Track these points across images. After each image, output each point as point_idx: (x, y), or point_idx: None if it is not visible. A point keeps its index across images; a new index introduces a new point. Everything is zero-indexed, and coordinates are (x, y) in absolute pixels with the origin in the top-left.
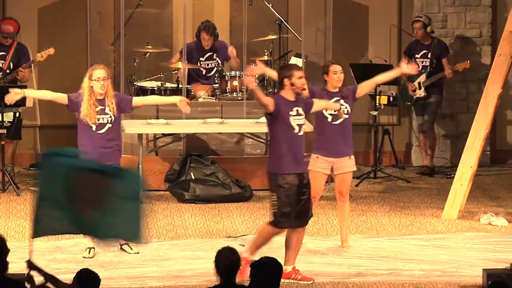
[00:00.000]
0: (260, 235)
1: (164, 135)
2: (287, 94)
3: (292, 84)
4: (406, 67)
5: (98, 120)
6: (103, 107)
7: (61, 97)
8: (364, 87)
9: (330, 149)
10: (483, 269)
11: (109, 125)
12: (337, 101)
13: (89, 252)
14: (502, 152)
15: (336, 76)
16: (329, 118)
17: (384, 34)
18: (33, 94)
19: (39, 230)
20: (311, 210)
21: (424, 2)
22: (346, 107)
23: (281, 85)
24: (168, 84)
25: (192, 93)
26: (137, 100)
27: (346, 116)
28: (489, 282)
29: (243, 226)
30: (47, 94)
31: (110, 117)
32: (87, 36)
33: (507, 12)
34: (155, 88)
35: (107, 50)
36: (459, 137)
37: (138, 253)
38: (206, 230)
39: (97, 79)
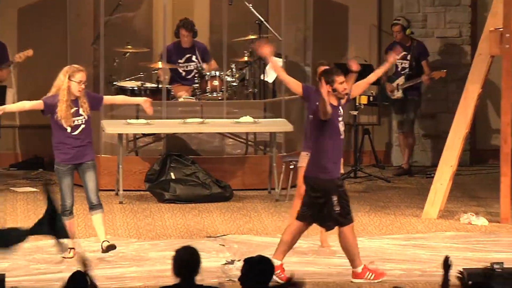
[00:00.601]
0: (348, 246)
1: (144, 135)
2: (331, 99)
3: (334, 90)
4: (392, 56)
5: (73, 122)
6: (77, 108)
7: (37, 104)
8: (358, 88)
9: None
10: (463, 269)
11: (83, 126)
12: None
13: (69, 252)
14: (482, 152)
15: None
16: None
17: (364, 34)
18: (12, 108)
19: None
20: None
21: (403, 2)
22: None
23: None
24: (148, 84)
25: (173, 93)
26: (107, 99)
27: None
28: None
29: (223, 226)
30: (25, 105)
31: (84, 117)
32: (67, 36)
33: (487, 12)
34: (135, 88)
35: (87, 50)
36: (439, 136)
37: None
38: (186, 230)
39: (79, 82)
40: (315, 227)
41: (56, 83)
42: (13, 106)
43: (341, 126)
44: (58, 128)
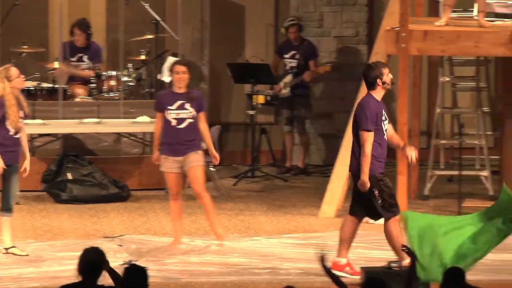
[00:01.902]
0: (390, 239)
1: (40, 135)
2: (378, 94)
3: (383, 83)
4: None
5: (20, 125)
6: (21, 110)
7: None
8: None
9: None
10: (360, 267)
11: (22, 127)
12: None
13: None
14: None
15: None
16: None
17: (261, 33)
18: None
19: None
20: None
21: (300, 1)
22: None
23: (372, 86)
24: (44, 84)
25: (69, 92)
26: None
27: None
28: (365, 279)
29: (121, 226)
30: None
31: (24, 119)
32: None
33: (384, 11)
34: (31, 88)
35: None
36: (336, 135)
37: (28, 255)
38: (84, 230)
39: (18, 76)
40: (209, 226)
41: None
42: None
43: (385, 125)
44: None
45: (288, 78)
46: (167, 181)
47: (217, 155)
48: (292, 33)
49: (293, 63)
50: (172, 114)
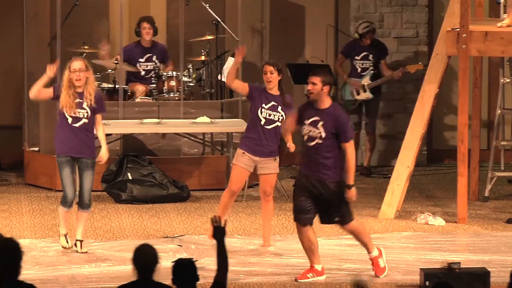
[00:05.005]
0: (361, 233)
1: None
2: None
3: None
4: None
5: (75, 114)
6: (82, 101)
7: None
8: None
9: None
10: (420, 269)
11: (84, 120)
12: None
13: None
14: (439, 152)
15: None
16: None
17: (321, 34)
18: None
19: None
20: None
21: (360, 2)
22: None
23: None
24: (104, 85)
25: (129, 92)
26: (97, 118)
27: None
28: (427, 283)
29: (181, 226)
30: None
31: (87, 112)
32: (23, 37)
33: (444, 12)
34: None
35: (44, 50)
36: (396, 137)
37: (86, 252)
38: (144, 230)
39: (73, 70)
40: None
41: (63, 77)
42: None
43: None
44: (60, 119)
45: (366, 81)
46: (235, 175)
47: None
48: (368, 39)
49: (366, 64)
50: (264, 113)
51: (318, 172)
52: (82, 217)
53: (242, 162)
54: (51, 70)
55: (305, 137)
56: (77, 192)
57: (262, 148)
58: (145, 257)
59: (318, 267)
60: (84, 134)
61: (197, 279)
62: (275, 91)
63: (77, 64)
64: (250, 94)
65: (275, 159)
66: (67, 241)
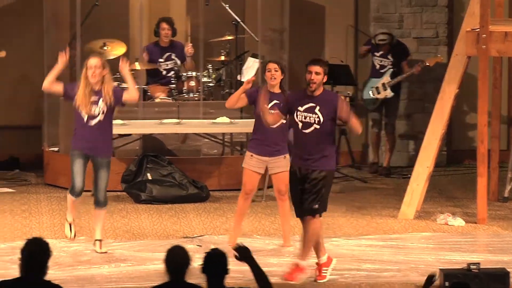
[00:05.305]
0: (318, 233)
1: (120, 135)
2: None
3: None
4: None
5: (90, 112)
6: (97, 99)
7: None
8: None
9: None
10: (439, 269)
11: (100, 118)
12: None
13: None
14: (459, 152)
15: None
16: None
17: (341, 34)
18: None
19: None
20: None
21: (380, 2)
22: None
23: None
24: (124, 85)
25: (149, 93)
26: (125, 94)
27: None
28: (446, 283)
29: (200, 226)
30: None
31: (103, 110)
32: (43, 37)
33: (464, 12)
34: None
35: (64, 51)
36: (415, 137)
37: (106, 252)
38: (163, 230)
39: (89, 67)
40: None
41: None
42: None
43: None
44: (76, 118)
45: (386, 79)
46: (246, 178)
47: None
48: (383, 50)
49: (385, 61)
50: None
51: (312, 160)
52: (99, 215)
53: (250, 165)
54: (62, 58)
55: (300, 125)
56: (86, 188)
57: (268, 148)
58: (177, 259)
59: (324, 258)
60: (99, 132)
61: (227, 272)
62: (276, 90)
63: (93, 61)
64: (252, 100)
65: (285, 157)
66: (70, 230)
